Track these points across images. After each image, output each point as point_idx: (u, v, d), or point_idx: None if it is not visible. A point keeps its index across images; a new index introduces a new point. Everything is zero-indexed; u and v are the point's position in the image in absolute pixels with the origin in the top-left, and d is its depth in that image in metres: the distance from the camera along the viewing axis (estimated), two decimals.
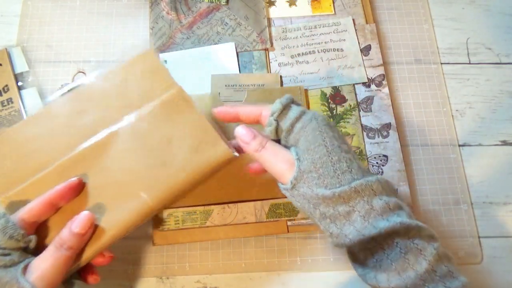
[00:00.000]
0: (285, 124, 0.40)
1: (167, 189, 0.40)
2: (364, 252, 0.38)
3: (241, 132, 0.41)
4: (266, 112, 0.41)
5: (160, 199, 0.40)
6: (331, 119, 0.56)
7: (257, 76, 0.58)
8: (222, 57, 0.59)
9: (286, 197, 0.48)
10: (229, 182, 0.52)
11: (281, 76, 0.58)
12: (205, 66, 0.58)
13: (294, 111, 0.40)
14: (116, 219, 0.39)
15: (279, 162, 0.39)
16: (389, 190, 0.37)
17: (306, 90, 0.58)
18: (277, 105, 0.40)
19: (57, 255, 0.36)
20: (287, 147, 0.40)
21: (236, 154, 0.41)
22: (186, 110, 0.43)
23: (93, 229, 0.38)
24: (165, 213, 0.50)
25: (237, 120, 0.43)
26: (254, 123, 0.43)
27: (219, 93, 0.56)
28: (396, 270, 0.35)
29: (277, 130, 0.41)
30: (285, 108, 0.40)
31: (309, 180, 0.37)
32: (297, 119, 0.39)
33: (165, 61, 0.58)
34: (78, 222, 0.37)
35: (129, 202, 0.39)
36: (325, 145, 0.38)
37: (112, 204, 0.39)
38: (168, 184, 0.40)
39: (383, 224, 0.35)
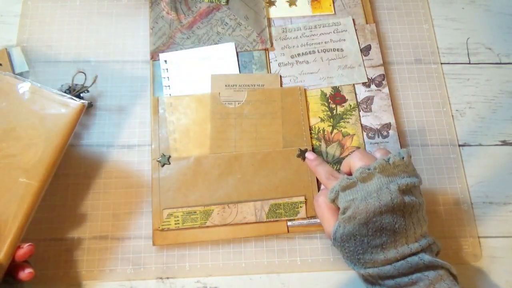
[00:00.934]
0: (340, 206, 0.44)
1: (44, 164, 0.43)
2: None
3: (309, 155, 0.52)
4: (329, 187, 0.46)
5: (42, 175, 0.43)
6: (331, 119, 0.57)
7: (257, 76, 0.58)
8: (222, 57, 0.59)
9: (285, 198, 0.50)
10: (229, 182, 0.52)
11: (281, 76, 0.58)
12: (205, 66, 0.58)
13: (343, 200, 0.43)
14: (13, 212, 0.42)
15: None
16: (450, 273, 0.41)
17: (305, 90, 0.58)
18: (330, 194, 0.44)
19: None
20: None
21: (84, 102, 0.46)
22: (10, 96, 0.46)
23: None
24: (165, 213, 0.50)
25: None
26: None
27: (219, 93, 0.56)
28: None
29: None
30: (335, 198, 0.44)
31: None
32: (346, 208, 0.43)
33: (165, 61, 0.58)
34: None
35: (15, 191, 0.42)
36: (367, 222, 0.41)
37: (1, 200, 0.42)
38: (41, 160, 0.43)
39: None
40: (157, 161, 0.52)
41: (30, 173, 0.43)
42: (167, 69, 0.58)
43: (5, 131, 0.44)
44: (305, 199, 0.52)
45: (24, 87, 0.45)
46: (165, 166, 0.52)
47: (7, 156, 0.43)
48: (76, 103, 0.46)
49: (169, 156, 0.52)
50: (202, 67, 0.58)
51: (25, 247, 0.42)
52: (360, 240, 0.41)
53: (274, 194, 0.52)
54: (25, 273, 0.42)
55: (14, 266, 0.43)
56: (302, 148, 0.53)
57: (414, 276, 0.39)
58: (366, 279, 0.43)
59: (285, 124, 0.55)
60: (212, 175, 0.52)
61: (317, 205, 0.47)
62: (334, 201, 0.44)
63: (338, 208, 0.44)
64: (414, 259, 0.39)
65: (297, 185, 0.52)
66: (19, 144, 0.44)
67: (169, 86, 0.57)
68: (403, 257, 0.40)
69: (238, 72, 0.58)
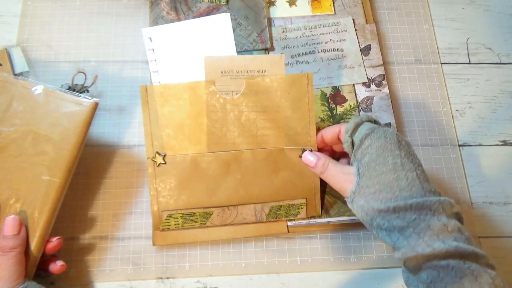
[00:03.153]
0: (356, 139, 0.44)
1: (64, 162, 0.45)
2: (418, 272, 0.38)
3: (307, 158, 0.48)
4: (343, 129, 0.45)
5: (63, 172, 0.45)
6: (331, 119, 0.56)
7: (258, 59, 0.50)
8: (216, 31, 0.53)
9: (287, 200, 0.49)
10: (229, 183, 0.51)
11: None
12: (197, 43, 0.52)
13: (365, 127, 0.43)
14: (39, 208, 0.44)
15: (341, 180, 0.44)
16: (450, 213, 0.38)
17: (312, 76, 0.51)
18: (350, 123, 0.44)
19: (3, 259, 0.41)
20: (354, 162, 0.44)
21: (97, 99, 0.47)
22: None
23: (25, 225, 0.43)
24: (164, 215, 0.50)
25: (323, 144, 0.49)
26: (336, 143, 0.48)
27: (215, 82, 0.49)
28: None
29: (353, 145, 0.44)
30: (358, 125, 0.44)
31: (366, 194, 0.40)
32: (367, 135, 0.43)
33: (150, 38, 0.53)
34: (7, 227, 0.42)
35: (39, 189, 0.44)
36: (386, 163, 0.40)
37: (27, 198, 0.44)
38: (61, 158, 0.45)
39: (438, 244, 0.36)
40: (152, 160, 0.49)
41: (52, 171, 0.45)
42: (153, 49, 0.53)
43: (24, 132, 0.46)
44: (306, 201, 0.51)
45: (38, 89, 0.47)
46: (161, 165, 0.49)
47: (29, 156, 0.45)
48: (89, 101, 0.47)
49: (165, 155, 0.49)
50: (194, 44, 0.52)
51: (55, 241, 0.45)
52: (378, 171, 0.40)
53: (275, 196, 0.50)
54: (57, 266, 0.45)
55: (45, 260, 0.45)
56: (307, 148, 0.50)
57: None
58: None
59: (289, 120, 0.50)
60: (211, 176, 0.49)
61: (327, 173, 0.45)
62: (354, 130, 0.44)
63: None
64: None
65: (299, 188, 0.50)
66: (40, 144, 0.45)
67: (157, 71, 0.52)
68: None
69: (234, 47, 0.52)
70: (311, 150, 0.49)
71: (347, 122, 0.46)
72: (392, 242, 0.39)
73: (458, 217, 0.39)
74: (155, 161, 0.49)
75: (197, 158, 0.49)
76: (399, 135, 0.43)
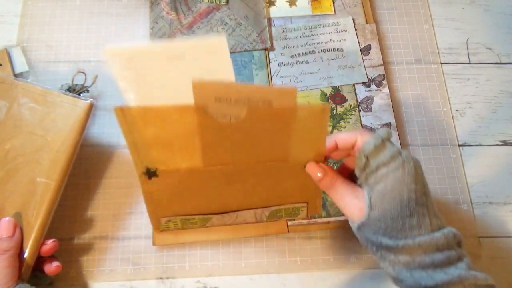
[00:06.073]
0: (372, 163, 0.39)
1: (59, 163, 0.45)
2: None
3: (312, 171, 0.42)
4: (360, 142, 0.40)
5: (58, 174, 0.45)
6: (331, 119, 0.56)
7: (263, 89, 0.39)
8: (211, 58, 0.40)
9: (287, 205, 0.47)
10: (228, 192, 0.46)
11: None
12: (186, 70, 0.39)
13: (386, 154, 0.38)
14: (34, 211, 0.44)
15: (348, 203, 0.40)
16: (454, 243, 0.38)
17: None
18: (370, 144, 0.39)
19: None
20: (362, 183, 0.40)
21: (92, 100, 0.47)
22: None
23: (20, 227, 0.43)
24: (164, 220, 0.46)
25: (335, 150, 0.42)
26: (348, 154, 0.43)
27: (208, 107, 0.37)
28: None
29: (365, 165, 0.39)
30: (378, 149, 0.39)
31: (377, 228, 0.38)
32: (385, 164, 0.38)
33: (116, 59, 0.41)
34: (1, 229, 0.42)
35: (34, 191, 0.44)
36: (402, 198, 0.38)
37: (22, 200, 0.44)
38: (56, 159, 0.45)
39: (441, 276, 0.36)
40: (144, 173, 0.41)
41: (47, 173, 0.45)
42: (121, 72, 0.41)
43: (20, 134, 0.46)
44: (307, 204, 0.50)
45: (35, 91, 0.47)
46: (154, 179, 0.42)
47: (25, 158, 0.45)
48: (84, 102, 0.47)
49: (156, 170, 0.42)
50: (179, 72, 0.40)
51: (50, 243, 0.45)
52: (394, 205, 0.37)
53: (276, 201, 0.47)
54: (53, 267, 0.45)
55: (41, 261, 0.45)
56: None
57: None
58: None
59: (296, 145, 0.41)
60: (208, 187, 0.44)
61: (334, 192, 0.41)
62: (372, 153, 0.39)
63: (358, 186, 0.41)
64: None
65: (301, 194, 0.47)
66: (35, 146, 0.45)
67: (130, 91, 0.41)
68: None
69: (233, 76, 0.40)
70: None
71: (365, 132, 0.40)
72: (395, 273, 0.38)
73: (459, 244, 0.39)
74: (146, 175, 0.42)
75: (192, 172, 0.42)
76: (417, 163, 0.39)
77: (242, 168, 0.43)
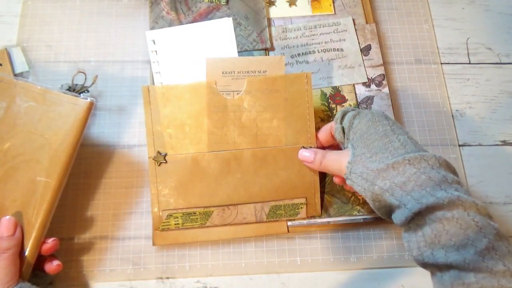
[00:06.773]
0: (345, 125, 0.45)
1: (59, 163, 0.45)
2: (422, 228, 0.37)
3: (303, 155, 0.49)
4: (333, 125, 0.47)
5: (58, 173, 0.45)
6: (331, 119, 0.56)
7: (258, 60, 0.51)
8: (218, 35, 0.54)
9: (286, 200, 0.49)
10: (229, 182, 0.51)
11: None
12: (199, 45, 0.53)
13: (352, 111, 0.46)
14: (35, 210, 0.44)
15: (338, 160, 0.45)
16: (447, 167, 0.39)
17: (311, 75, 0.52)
18: (338, 113, 0.47)
19: None
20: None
21: (92, 99, 0.47)
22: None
23: (20, 226, 0.43)
24: (165, 214, 0.50)
25: (321, 145, 0.51)
26: (331, 142, 0.50)
27: (216, 82, 0.50)
28: (455, 246, 0.35)
29: (344, 132, 0.46)
30: (345, 113, 0.46)
31: (363, 160, 0.41)
32: (354, 116, 0.45)
33: (153, 41, 0.54)
34: (2, 227, 0.42)
35: (34, 190, 0.44)
36: (377, 131, 0.42)
37: (23, 199, 0.44)
38: (56, 159, 0.45)
39: (441, 194, 0.36)
40: (153, 159, 0.49)
41: (47, 172, 0.45)
42: (156, 51, 0.54)
43: (20, 133, 0.46)
44: (306, 201, 0.51)
45: (34, 89, 0.47)
46: (162, 164, 0.50)
47: (24, 157, 0.45)
48: (84, 101, 0.47)
49: (165, 154, 0.50)
50: (196, 47, 0.53)
51: (50, 242, 0.45)
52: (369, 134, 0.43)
53: (275, 195, 0.51)
54: (53, 266, 0.45)
55: (42, 260, 0.45)
56: (306, 147, 0.50)
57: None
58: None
59: (288, 119, 0.50)
60: (211, 175, 0.50)
61: (326, 161, 0.47)
62: (342, 118, 0.46)
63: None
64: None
65: (299, 187, 0.51)
66: (35, 145, 0.45)
67: (159, 72, 0.53)
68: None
69: (236, 51, 0.54)
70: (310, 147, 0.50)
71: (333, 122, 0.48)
72: (397, 201, 0.38)
73: (454, 172, 0.40)
74: (156, 161, 0.50)
75: (197, 158, 0.50)
76: (384, 113, 0.45)
77: (242, 155, 0.50)
